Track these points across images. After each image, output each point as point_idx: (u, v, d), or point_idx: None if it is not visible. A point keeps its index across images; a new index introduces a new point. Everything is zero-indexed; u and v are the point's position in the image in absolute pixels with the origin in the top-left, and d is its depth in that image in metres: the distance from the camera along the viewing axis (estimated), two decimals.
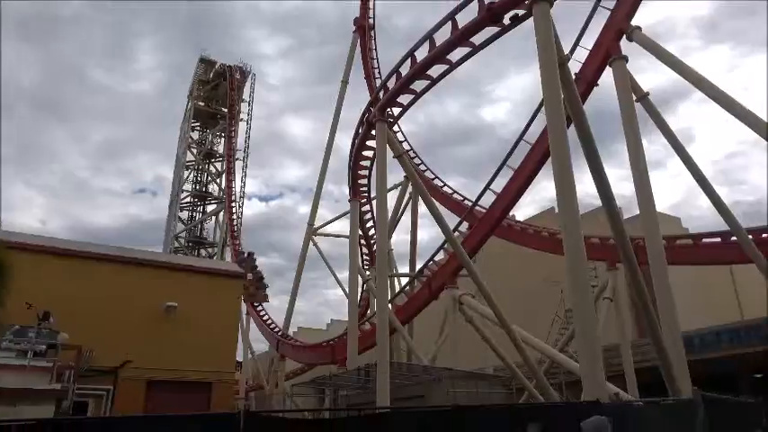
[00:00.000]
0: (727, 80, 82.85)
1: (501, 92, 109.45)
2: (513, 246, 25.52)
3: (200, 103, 49.01)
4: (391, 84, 14.23)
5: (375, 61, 32.80)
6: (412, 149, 31.12)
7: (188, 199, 48.16)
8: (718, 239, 17.37)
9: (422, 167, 30.32)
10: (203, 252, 47.19)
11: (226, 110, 47.40)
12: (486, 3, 10.93)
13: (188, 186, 48.21)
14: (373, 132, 15.05)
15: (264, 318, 33.99)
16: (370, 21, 33.73)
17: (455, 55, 12.36)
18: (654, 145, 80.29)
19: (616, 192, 14.38)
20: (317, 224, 33.60)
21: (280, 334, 31.91)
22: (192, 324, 18.04)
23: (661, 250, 12.70)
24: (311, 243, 32.93)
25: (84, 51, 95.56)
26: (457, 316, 18.22)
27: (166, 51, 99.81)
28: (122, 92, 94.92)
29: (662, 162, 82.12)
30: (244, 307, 34.78)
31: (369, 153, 17.69)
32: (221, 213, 46.04)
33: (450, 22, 11.90)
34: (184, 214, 48.05)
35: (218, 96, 48.70)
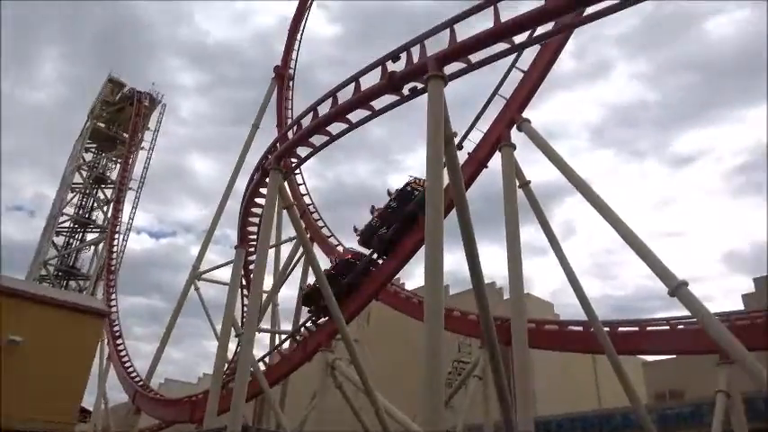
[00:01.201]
0: (606, 184, 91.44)
1: (411, 162, 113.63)
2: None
3: (101, 124, 46.43)
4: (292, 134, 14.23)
5: (289, 111, 32.96)
6: (312, 204, 30.99)
7: (67, 224, 44.54)
8: (581, 328, 18.40)
9: (320, 223, 30.12)
10: (73, 284, 43.26)
11: (127, 135, 45.11)
12: (388, 71, 11.30)
13: (70, 210, 44.73)
14: (267, 180, 14.80)
15: (126, 364, 31.23)
16: (291, 71, 34.14)
17: (355, 116, 12.59)
18: (541, 232, 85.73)
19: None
20: (204, 268, 32.09)
21: (140, 384, 29.32)
22: (36, 363, 16.15)
23: (524, 332, 13.13)
24: (193, 287, 31.26)
25: None
26: (328, 381, 17.67)
27: (73, 64, 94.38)
28: (15, 98, 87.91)
29: (547, 249, 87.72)
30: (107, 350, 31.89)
31: (262, 200, 17.30)
32: (101, 244, 42.76)
33: (353, 84, 12.18)
34: (60, 240, 44.23)
35: (120, 120, 46.43)
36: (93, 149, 47.03)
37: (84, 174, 45.53)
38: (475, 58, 10.51)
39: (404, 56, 11.11)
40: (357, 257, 19.34)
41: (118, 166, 45.58)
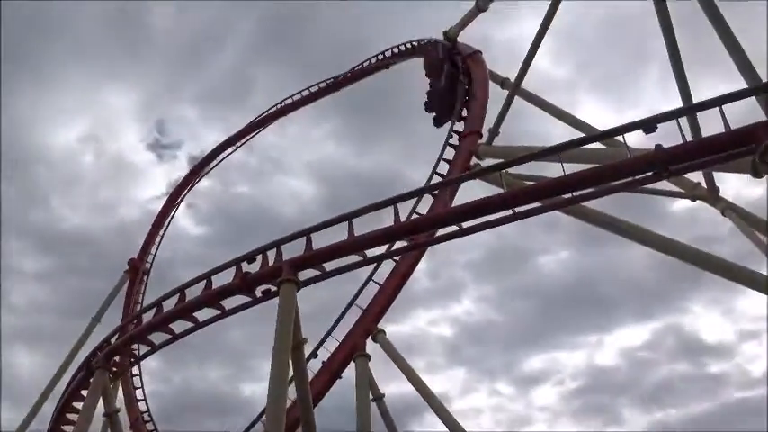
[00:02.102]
0: (462, 402, 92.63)
1: (266, 369, 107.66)
2: None
3: None
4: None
5: (139, 306, 30.72)
6: (149, 412, 27.36)
7: None
8: None
9: None
10: None
11: None
12: (242, 271, 11.19)
13: None
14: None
15: None
16: (147, 265, 32.69)
17: (204, 314, 11.97)
18: None
19: None
20: None
21: None
22: None
23: None
24: None
25: None
26: None
27: None
28: None
29: None
30: None
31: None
32: None
33: (205, 281, 11.81)
34: None
35: None
36: None
37: None
38: (330, 266, 10.84)
39: (259, 258, 11.19)
40: None
41: None
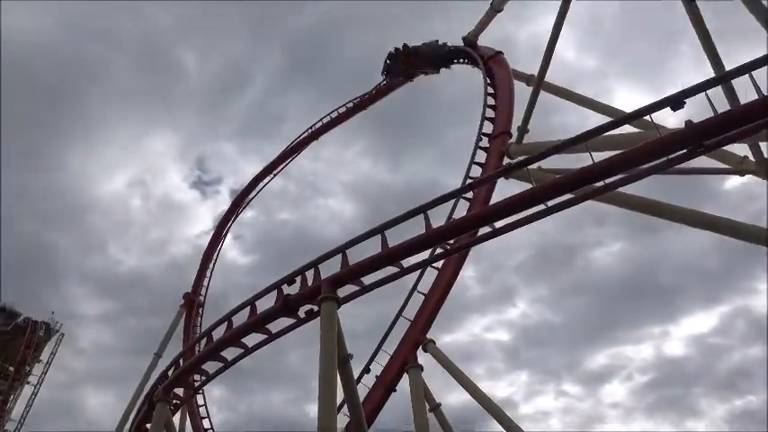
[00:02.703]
0: (528, 406, 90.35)
1: None
2: None
3: None
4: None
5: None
6: None
7: None
8: None
9: None
10: None
11: (12, 369, 40.82)
12: (284, 293, 11.36)
13: None
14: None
15: None
16: (201, 298, 33.59)
17: (251, 340, 12.19)
18: None
19: None
20: None
21: None
22: None
23: None
24: None
25: None
26: None
27: None
28: None
29: None
30: None
31: None
32: None
33: (249, 307, 12.04)
34: None
35: (9, 352, 42.37)
36: None
37: None
38: (368, 280, 10.88)
39: (299, 279, 11.34)
40: None
41: None
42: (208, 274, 34.97)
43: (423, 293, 16.92)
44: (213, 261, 35.41)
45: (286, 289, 11.49)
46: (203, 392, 30.05)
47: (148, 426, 14.50)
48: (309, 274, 11.31)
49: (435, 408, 15.12)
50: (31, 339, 42.03)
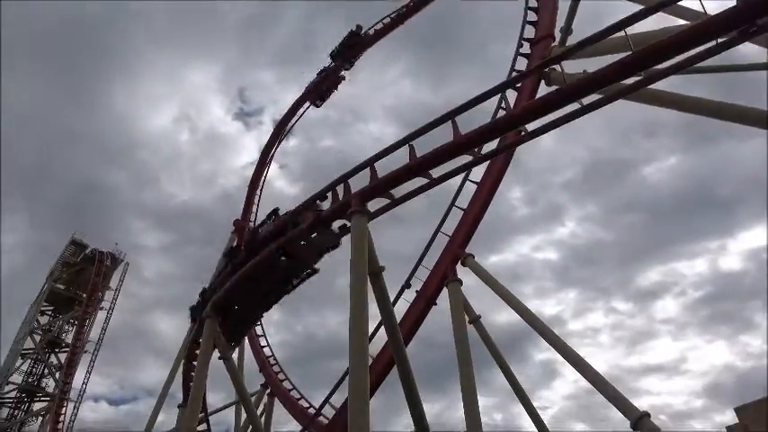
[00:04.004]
0: (576, 323, 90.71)
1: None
2: None
3: (60, 286, 45.41)
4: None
5: None
6: (273, 357, 29.55)
7: (13, 393, 41.42)
8: None
9: (281, 376, 28.48)
10: None
11: (86, 295, 43.95)
12: (317, 211, 11.40)
13: (18, 378, 41.85)
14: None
15: None
16: (251, 224, 34.54)
17: None
18: (528, 371, 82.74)
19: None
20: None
21: None
22: None
23: None
24: None
25: None
26: None
27: (34, 231, 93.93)
28: None
29: (533, 392, 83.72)
30: None
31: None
32: (49, 414, 39.51)
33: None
34: (4, 412, 40.84)
35: (81, 281, 45.55)
36: (50, 312, 45.48)
37: (38, 338, 43.44)
38: (398, 193, 10.72)
39: (330, 195, 11.31)
40: None
41: (74, 327, 43.81)
42: (255, 201, 35.79)
43: (461, 208, 16.73)
44: (260, 188, 36.07)
45: (319, 205, 11.50)
46: None
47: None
48: (341, 190, 11.25)
49: (475, 320, 15.23)
50: (100, 269, 44.89)
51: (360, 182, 11.21)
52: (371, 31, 32.87)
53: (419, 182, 10.51)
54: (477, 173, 17.02)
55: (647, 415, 10.97)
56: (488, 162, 16.59)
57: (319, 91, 33.84)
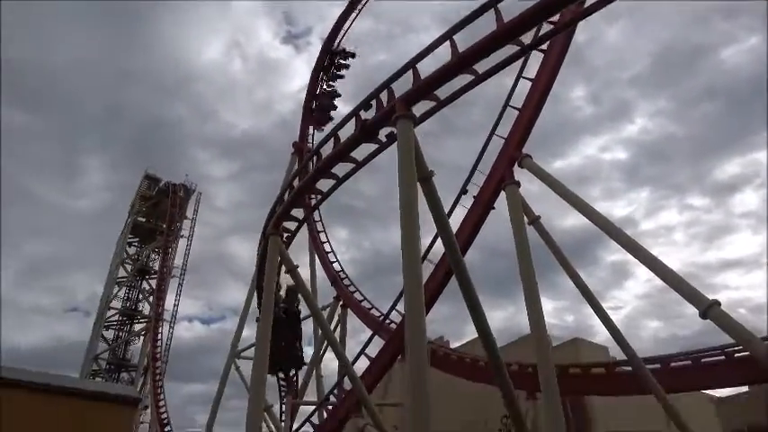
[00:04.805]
0: (649, 222, 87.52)
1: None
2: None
3: (141, 219, 48.49)
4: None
5: None
6: (343, 271, 30.69)
7: (116, 317, 45.79)
8: (630, 369, 16.87)
9: (351, 289, 29.69)
10: (125, 376, 43.98)
11: (165, 226, 46.75)
12: (362, 119, 11.21)
13: (117, 304, 46.07)
14: None
15: None
16: (309, 145, 34.84)
17: (340, 170, 12.46)
18: (599, 273, 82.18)
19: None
20: (243, 346, 31.84)
21: None
22: None
23: (552, 379, 12.12)
24: (233, 367, 30.95)
25: (28, 165, 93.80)
26: None
27: (113, 170, 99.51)
28: (64, 209, 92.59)
29: (603, 295, 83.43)
30: None
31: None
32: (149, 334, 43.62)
33: (332, 139, 12.15)
34: (110, 334, 45.43)
35: (159, 213, 48.38)
36: (136, 243, 48.91)
37: (129, 267, 47.13)
38: (443, 94, 10.31)
39: (375, 103, 11.05)
40: None
41: (160, 256, 47.05)
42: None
43: (517, 108, 16.03)
44: (314, 110, 35.92)
45: (364, 115, 11.29)
46: (325, 233, 32.65)
47: None
48: (384, 98, 10.95)
49: (535, 220, 14.94)
50: (175, 200, 47.38)
51: (406, 88, 10.85)
52: None
53: (466, 80, 10.02)
54: (532, 70, 16.12)
55: (716, 303, 10.63)
56: (543, 57, 15.71)
57: None
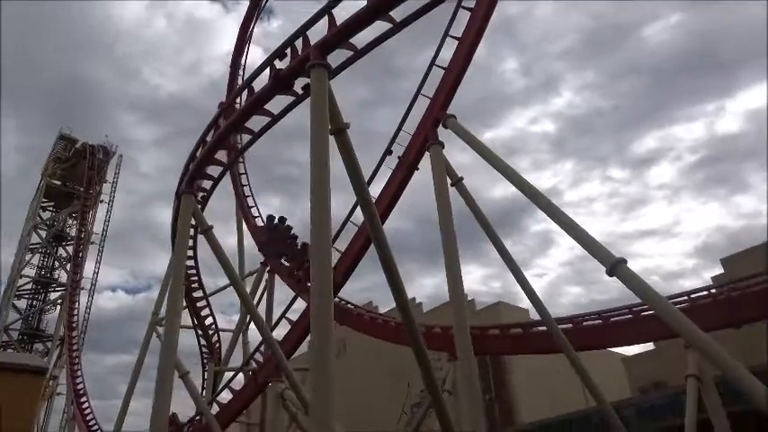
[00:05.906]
0: (572, 193, 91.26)
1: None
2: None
3: (56, 182, 45.43)
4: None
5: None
6: None
7: (29, 285, 43.11)
8: (544, 328, 17.42)
9: None
10: (40, 346, 41.73)
11: (82, 189, 44.01)
12: (276, 69, 10.61)
13: (31, 271, 43.33)
14: None
15: (91, 423, 29.58)
16: (237, 106, 33.40)
17: (256, 124, 11.85)
18: (526, 241, 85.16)
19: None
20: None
21: None
22: None
23: (467, 340, 12.27)
24: (155, 335, 29.86)
25: None
26: (281, 413, 16.53)
27: (26, 132, 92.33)
28: None
29: (528, 262, 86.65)
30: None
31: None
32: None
33: (246, 90, 11.48)
34: (23, 303, 42.80)
35: (76, 176, 45.45)
36: (51, 208, 45.95)
37: (43, 233, 44.28)
38: (361, 44, 9.87)
39: (289, 52, 10.46)
40: None
41: (77, 221, 44.42)
42: (239, 81, 34.30)
43: (442, 67, 15.78)
44: (242, 67, 34.39)
45: (279, 64, 10.68)
46: (253, 197, 31.66)
47: None
48: (300, 46, 10.37)
49: (458, 182, 14.84)
50: (93, 161, 44.56)
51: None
52: None
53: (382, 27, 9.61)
54: (459, 29, 15.87)
55: (623, 261, 10.89)
56: (469, 15, 15.46)
57: None
